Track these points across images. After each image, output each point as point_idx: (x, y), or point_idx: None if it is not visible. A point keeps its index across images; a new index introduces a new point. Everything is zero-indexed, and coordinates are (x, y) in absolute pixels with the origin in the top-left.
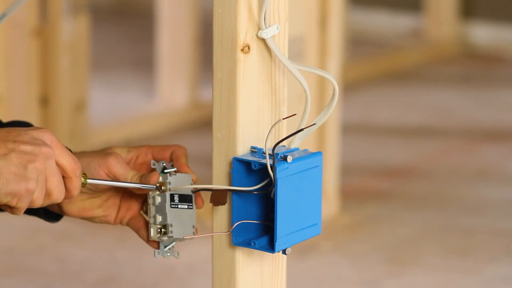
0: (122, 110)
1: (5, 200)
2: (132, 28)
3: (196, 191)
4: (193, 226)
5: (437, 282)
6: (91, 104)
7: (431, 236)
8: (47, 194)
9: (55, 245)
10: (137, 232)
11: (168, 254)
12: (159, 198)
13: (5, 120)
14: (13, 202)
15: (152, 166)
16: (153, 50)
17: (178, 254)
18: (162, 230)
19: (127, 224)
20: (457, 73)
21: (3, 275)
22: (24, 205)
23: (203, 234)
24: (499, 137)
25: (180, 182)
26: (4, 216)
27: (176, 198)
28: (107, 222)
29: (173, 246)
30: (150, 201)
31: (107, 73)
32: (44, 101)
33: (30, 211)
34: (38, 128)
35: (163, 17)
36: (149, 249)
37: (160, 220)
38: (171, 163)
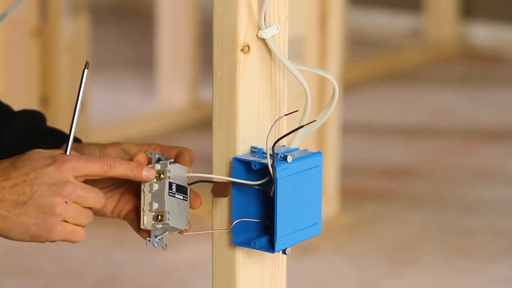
0: (122, 110)
1: (32, 241)
2: (132, 28)
3: (194, 182)
4: (187, 218)
5: (437, 282)
6: (91, 104)
7: (431, 236)
8: (89, 209)
9: (55, 245)
10: (131, 224)
11: (157, 245)
12: (157, 185)
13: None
14: (42, 241)
15: (149, 155)
16: (153, 50)
17: (166, 246)
18: (159, 216)
19: (124, 218)
20: (457, 73)
21: (3, 275)
22: (64, 238)
23: (203, 231)
24: (499, 137)
25: (178, 172)
26: None
27: (174, 187)
28: (104, 215)
29: (162, 238)
30: (146, 188)
31: (107, 73)
32: (44, 101)
33: None
34: (54, 161)
35: (163, 17)
36: (149, 249)
37: (157, 207)
38: (165, 156)
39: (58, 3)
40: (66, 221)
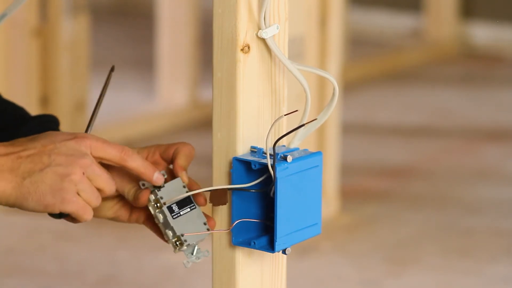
0: (122, 110)
1: (45, 211)
2: (132, 28)
3: (190, 193)
4: (205, 223)
5: (437, 282)
6: (91, 104)
7: (431, 236)
8: (99, 191)
9: (55, 245)
10: (155, 233)
11: (197, 259)
12: (161, 215)
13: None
14: (55, 211)
15: (142, 187)
16: (153, 50)
17: (208, 252)
18: (178, 243)
19: (144, 224)
20: (457, 73)
21: (3, 275)
22: (76, 211)
23: (203, 232)
24: (499, 137)
25: (171, 192)
26: (4, 216)
27: (175, 207)
28: (121, 221)
29: (199, 249)
30: (156, 221)
31: (107, 73)
32: (44, 101)
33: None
34: (74, 136)
35: (163, 17)
36: (149, 249)
37: (171, 235)
38: (162, 172)
39: (58, 3)
40: (79, 195)
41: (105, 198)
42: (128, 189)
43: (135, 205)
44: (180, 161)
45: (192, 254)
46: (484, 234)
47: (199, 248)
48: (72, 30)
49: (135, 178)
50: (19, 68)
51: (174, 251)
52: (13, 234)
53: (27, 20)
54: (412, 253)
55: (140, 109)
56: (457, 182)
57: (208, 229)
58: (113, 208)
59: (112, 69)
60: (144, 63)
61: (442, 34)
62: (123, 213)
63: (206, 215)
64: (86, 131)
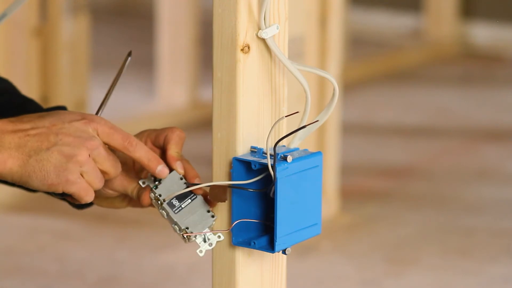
0: (122, 110)
1: (49, 190)
2: (132, 28)
3: (190, 185)
4: (208, 211)
5: (437, 282)
6: (91, 104)
7: (431, 236)
8: (104, 173)
9: (55, 245)
10: None
11: (212, 245)
12: (164, 212)
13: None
14: (58, 190)
15: (143, 186)
16: (153, 50)
17: (220, 236)
18: (185, 236)
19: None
20: (457, 73)
21: (3, 275)
22: (78, 193)
23: (203, 232)
24: (499, 137)
25: (169, 186)
26: (4, 216)
27: (175, 202)
28: (139, 207)
29: (210, 235)
30: (162, 215)
31: (107, 72)
32: (44, 101)
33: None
34: (82, 117)
35: (163, 17)
36: (149, 249)
37: (178, 229)
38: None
39: (58, 3)
40: (82, 176)
41: (113, 196)
42: (131, 190)
43: (140, 205)
44: (171, 151)
45: (205, 241)
46: (484, 234)
47: (210, 234)
48: (72, 30)
49: (136, 178)
50: (19, 68)
51: (185, 242)
52: (13, 234)
53: (27, 20)
54: (412, 253)
55: (140, 109)
56: (457, 182)
57: (212, 216)
58: (125, 201)
59: (129, 54)
60: (144, 63)
61: (442, 34)
62: (136, 203)
63: (207, 200)
64: (97, 113)
